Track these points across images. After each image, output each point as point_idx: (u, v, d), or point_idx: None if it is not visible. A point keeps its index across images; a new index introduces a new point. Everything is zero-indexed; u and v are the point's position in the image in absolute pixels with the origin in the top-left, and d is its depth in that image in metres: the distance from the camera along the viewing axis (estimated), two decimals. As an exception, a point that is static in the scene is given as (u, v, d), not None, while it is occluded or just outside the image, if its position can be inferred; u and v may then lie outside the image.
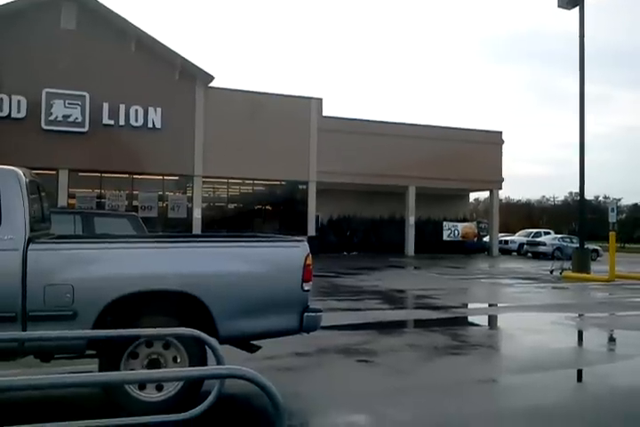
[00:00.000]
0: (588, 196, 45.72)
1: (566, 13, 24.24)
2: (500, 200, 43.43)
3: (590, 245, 29.03)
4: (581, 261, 22.56)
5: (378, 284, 17.46)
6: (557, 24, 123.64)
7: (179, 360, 5.04)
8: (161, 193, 29.01)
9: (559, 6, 23.98)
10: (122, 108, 26.87)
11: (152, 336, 4.81)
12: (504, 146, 37.27)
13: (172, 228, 26.20)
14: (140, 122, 27.22)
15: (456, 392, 6.24)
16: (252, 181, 31.17)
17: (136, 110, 27.16)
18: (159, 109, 27.50)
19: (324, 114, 31.88)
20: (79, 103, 26.13)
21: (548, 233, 40.19)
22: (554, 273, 22.18)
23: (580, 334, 10.76)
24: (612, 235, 21.25)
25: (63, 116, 25.94)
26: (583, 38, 23.47)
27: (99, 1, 26.66)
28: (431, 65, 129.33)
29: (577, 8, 23.60)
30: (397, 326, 10.78)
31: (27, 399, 5.26)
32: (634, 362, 8.06)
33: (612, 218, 21.80)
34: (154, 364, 5.00)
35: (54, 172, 25.57)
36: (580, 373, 7.60)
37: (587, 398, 6.33)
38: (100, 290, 4.91)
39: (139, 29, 27.37)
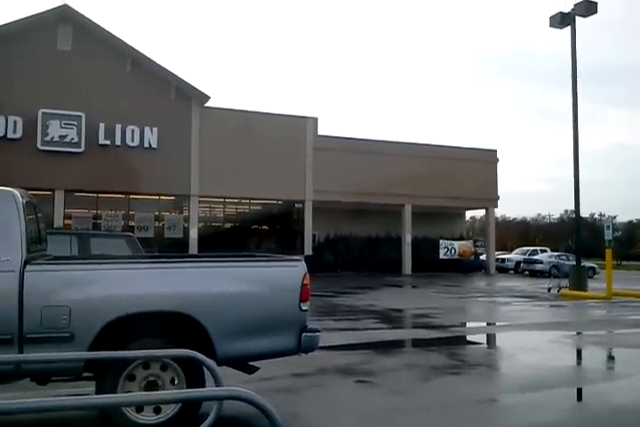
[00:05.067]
0: (584, 213, 45.83)
1: (558, 32, 24.51)
2: (496, 218, 43.53)
3: (587, 263, 29.00)
4: (578, 279, 22.54)
5: (375, 303, 17.39)
6: (550, 42, 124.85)
7: (176, 382, 5.00)
8: (157, 213, 28.99)
9: (551, 26, 24.25)
10: (118, 128, 26.93)
11: (149, 358, 4.78)
12: (499, 164, 37.50)
13: (168, 248, 26.12)
14: (137, 142, 27.26)
15: (455, 412, 6.19)
16: (248, 201, 31.22)
17: (132, 130, 27.22)
18: (155, 129, 27.56)
19: (320, 133, 32.00)
20: (75, 123, 26.17)
21: (545, 251, 40.18)
22: (551, 291, 22.14)
23: (579, 352, 10.71)
24: (608, 252, 21.26)
25: (59, 137, 25.97)
26: (575, 58, 23.69)
27: (94, 21, 26.89)
28: (425, 83, 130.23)
29: (568, 27, 23.86)
30: (395, 345, 10.73)
31: (21, 422, 5.19)
32: (633, 380, 8.02)
33: (608, 235, 21.82)
34: (151, 386, 4.96)
35: (50, 192, 25.53)
36: (579, 392, 7.56)
37: (586, 418, 6.29)
38: (97, 312, 4.88)
39: (134, 49, 27.55)
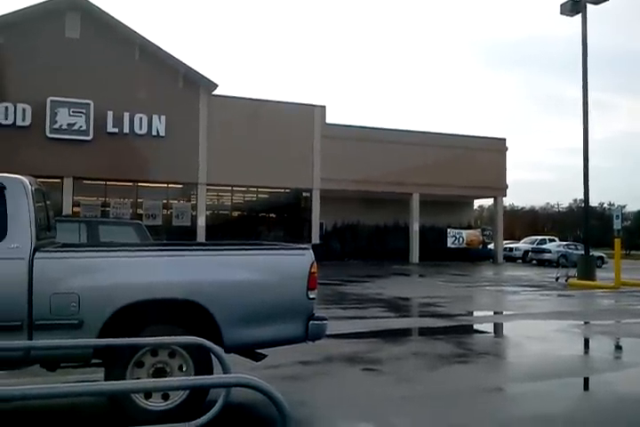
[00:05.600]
0: (593, 202, 45.59)
1: (568, 19, 24.28)
2: (505, 207, 43.40)
3: (595, 252, 28.93)
4: (587, 269, 22.49)
5: (382, 291, 17.42)
6: (559, 30, 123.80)
7: (184, 369, 5.03)
8: (165, 201, 29.08)
9: (561, 13, 24.02)
10: (126, 115, 26.96)
11: (158, 345, 4.80)
12: (508, 152, 37.34)
13: (176, 236, 26.20)
14: (145, 130, 27.29)
15: (462, 401, 6.21)
16: (256, 189, 31.24)
17: (140, 118, 27.24)
18: (163, 117, 27.57)
19: (328, 121, 31.94)
20: (83, 111, 26.22)
21: (553, 240, 40.11)
22: (559, 280, 22.11)
23: (587, 341, 10.71)
24: (617, 242, 21.18)
25: (68, 125, 26.03)
26: (586, 46, 23.47)
27: (102, 9, 26.83)
28: (433, 71, 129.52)
29: (579, 15, 23.64)
30: (402, 334, 10.75)
31: (25, 408, 5.23)
32: (640, 370, 8.02)
33: (617, 225, 21.74)
34: (160, 373, 4.98)
35: (59, 180, 25.64)
36: (586, 381, 7.56)
37: (593, 407, 6.29)
38: (106, 299, 4.91)
39: (142, 37, 27.50)
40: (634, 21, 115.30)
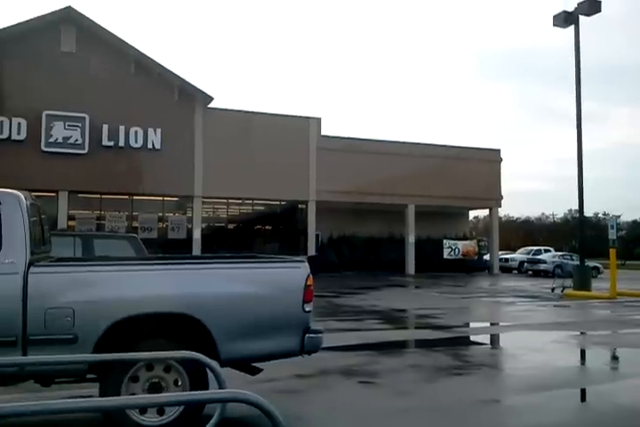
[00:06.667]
0: (588, 213, 45.72)
1: (562, 31, 24.44)
2: (500, 218, 43.44)
3: (591, 263, 28.93)
4: (582, 279, 22.48)
5: (378, 303, 17.38)
6: (554, 41, 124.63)
7: (180, 384, 5.00)
8: (161, 214, 29.02)
9: (554, 25, 24.19)
10: (121, 129, 26.97)
11: (153, 360, 4.78)
12: (503, 163, 37.45)
13: (172, 249, 26.15)
14: (140, 143, 27.29)
15: (459, 413, 6.18)
16: (251, 201, 31.23)
17: (136, 131, 27.25)
18: (159, 130, 27.60)
19: (323, 133, 32.02)
20: (79, 125, 26.24)
21: (549, 251, 40.10)
22: (555, 291, 22.10)
23: (583, 352, 10.69)
24: (612, 252, 21.19)
25: (63, 138, 26.03)
26: (579, 57, 23.63)
27: (98, 23, 26.91)
28: (428, 82, 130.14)
29: (572, 26, 23.81)
30: (399, 346, 10.72)
31: (18, 424, 5.19)
32: (637, 381, 8.00)
33: (612, 235, 21.76)
34: (155, 387, 4.96)
35: (54, 194, 25.60)
36: (583, 392, 7.55)
37: (590, 418, 6.27)
38: (101, 313, 4.89)
39: (138, 51, 27.57)
40: (626, 32, 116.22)
